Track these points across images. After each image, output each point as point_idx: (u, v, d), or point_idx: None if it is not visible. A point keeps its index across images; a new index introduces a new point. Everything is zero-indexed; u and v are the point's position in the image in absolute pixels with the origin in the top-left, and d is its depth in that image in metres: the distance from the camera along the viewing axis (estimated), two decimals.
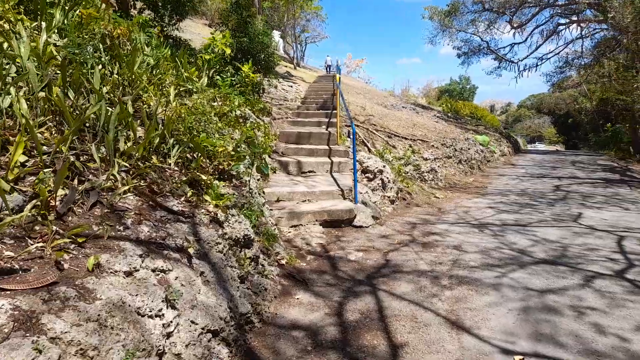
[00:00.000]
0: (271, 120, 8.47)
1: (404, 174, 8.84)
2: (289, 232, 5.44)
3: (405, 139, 12.35)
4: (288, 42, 36.27)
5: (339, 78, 9.20)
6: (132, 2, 9.21)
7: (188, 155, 4.70)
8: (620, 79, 20.85)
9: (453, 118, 22.92)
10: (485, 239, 5.50)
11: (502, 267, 4.40)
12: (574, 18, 22.23)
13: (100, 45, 5.21)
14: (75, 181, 2.81)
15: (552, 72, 27.35)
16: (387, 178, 7.61)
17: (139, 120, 4.75)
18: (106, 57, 5.01)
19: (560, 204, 8.02)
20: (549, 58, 25.19)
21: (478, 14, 22.61)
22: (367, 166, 7.51)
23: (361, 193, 6.61)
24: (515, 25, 21.59)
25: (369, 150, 9.56)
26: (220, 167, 4.78)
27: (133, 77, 5.20)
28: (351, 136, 9.92)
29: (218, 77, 6.68)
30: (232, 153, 5.00)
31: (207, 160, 4.81)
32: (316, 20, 43.04)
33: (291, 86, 15.15)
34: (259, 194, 5.60)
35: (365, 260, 4.58)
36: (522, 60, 23.18)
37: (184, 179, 3.98)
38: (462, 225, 6.27)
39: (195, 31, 18.77)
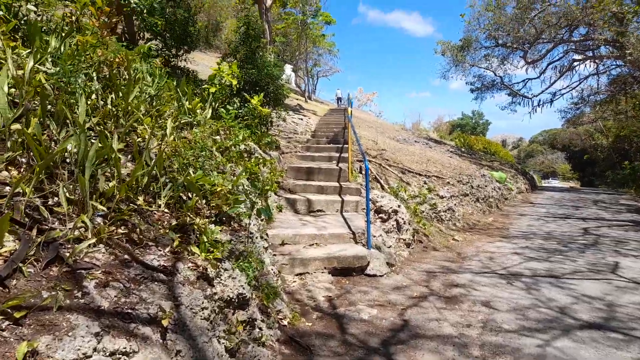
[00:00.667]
0: (279, 155, 8.01)
1: (420, 214, 8.25)
2: (294, 281, 4.85)
3: (420, 175, 11.79)
4: (300, 75, 36.54)
5: (351, 111, 8.80)
6: (140, 33, 9.00)
7: (182, 195, 4.21)
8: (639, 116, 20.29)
9: (467, 153, 22.40)
10: (517, 294, 4.84)
11: (542, 332, 3.75)
12: (589, 54, 21.93)
13: (95, 74, 4.82)
14: (34, 231, 2.31)
15: (567, 108, 26.93)
16: (403, 219, 7.02)
17: (129, 156, 4.29)
18: (99, 86, 4.61)
19: (593, 251, 7.32)
20: (563, 94, 24.83)
21: (491, 50, 22.44)
22: (381, 205, 6.95)
23: (374, 236, 6.02)
24: (529, 61, 21.31)
25: (382, 187, 9.01)
26: (218, 208, 4.27)
27: (129, 108, 4.80)
28: (363, 172, 9.42)
29: (222, 109, 6.27)
30: (232, 193, 4.50)
31: (204, 201, 4.32)
32: (328, 55, 43.62)
33: (301, 119, 14.82)
34: (261, 237, 5.05)
35: (380, 320, 3.95)
36: (536, 96, 22.83)
37: (174, 223, 3.47)
38: (488, 276, 5.62)
39: (207, 64, 18.77)
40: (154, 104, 5.54)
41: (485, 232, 9.15)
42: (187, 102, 6.13)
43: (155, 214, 3.53)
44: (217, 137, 5.83)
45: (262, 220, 5.77)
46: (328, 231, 5.70)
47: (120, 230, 2.96)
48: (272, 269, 4.48)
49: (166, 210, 3.76)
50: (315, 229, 5.73)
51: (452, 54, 22.06)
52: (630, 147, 29.18)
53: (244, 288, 3.10)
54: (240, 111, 7.57)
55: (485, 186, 13.70)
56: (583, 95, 25.48)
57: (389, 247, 6.17)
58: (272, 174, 6.33)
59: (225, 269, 3.12)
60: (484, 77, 24.10)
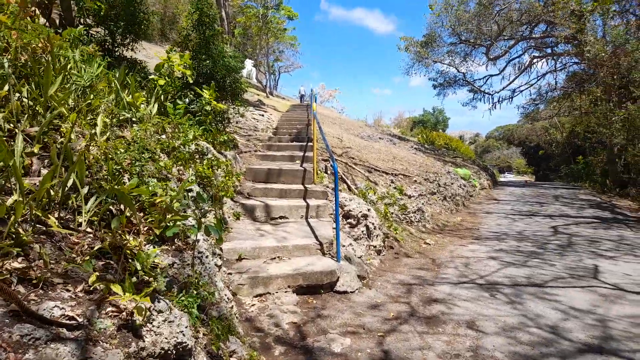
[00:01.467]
0: (236, 155, 7.25)
1: (390, 218, 7.72)
2: (253, 305, 4.16)
3: (386, 173, 11.31)
4: (261, 70, 35.58)
5: (315, 107, 8.16)
6: (81, 19, 7.98)
7: (113, 209, 3.45)
8: (597, 112, 20.74)
9: (430, 150, 22.28)
10: (503, 310, 4.36)
11: None
12: (548, 51, 22.24)
13: (6, 61, 3.97)
14: None
15: (525, 104, 27.36)
16: (373, 224, 6.46)
17: (47, 161, 3.49)
18: (9, 73, 3.76)
19: (569, 252, 7.02)
20: (522, 91, 25.14)
21: (454, 46, 22.36)
22: (350, 210, 6.35)
23: (344, 246, 5.42)
24: (491, 57, 21.37)
25: (349, 188, 8.42)
26: (159, 224, 3.53)
27: (51, 101, 3.98)
28: (329, 172, 8.80)
29: (170, 104, 5.46)
30: (178, 202, 3.77)
31: (141, 215, 3.57)
32: (290, 50, 42.73)
33: (262, 115, 14.05)
34: (214, 253, 4.33)
35: (356, 352, 3.34)
36: (497, 92, 22.94)
37: (98, 247, 2.72)
38: (468, 287, 5.13)
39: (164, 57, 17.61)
40: (85, 97, 4.70)
41: (456, 234, 8.75)
42: (128, 96, 5.30)
43: (72, 236, 2.78)
44: (164, 135, 5.05)
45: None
46: (292, 242, 5.03)
47: (13, 265, 2.22)
48: (226, 295, 3.78)
49: (89, 229, 3.00)
50: (277, 241, 5.05)
51: (415, 50, 21.81)
52: (584, 143, 30.05)
53: (184, 334, 2.40)
54: (192, 106, 6.77)
55: (452, 184, 13.42)
56: (541, 92, 25.95)
57: (360, 257, 5.58)
58: (227, 177, 5.59)
59: (160, 311, 2.40)
60: (447, 74, 24.07)
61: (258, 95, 23.05)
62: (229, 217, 5.71)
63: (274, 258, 4.83)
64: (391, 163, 12.61)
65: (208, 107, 6.55)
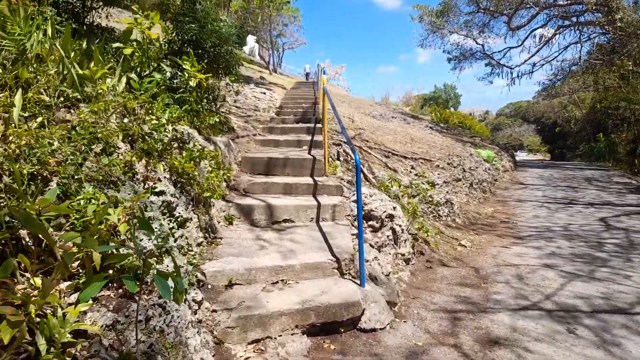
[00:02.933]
0: (230, 141, 5.93)
1: (419, 215, 6.42)
2: (246, 358, 2.93)
3: (405, 158, 9.97)
4: (264, 46, 33.91)
5: (325, 80, 6.78)
6: None
7: (22, 236, 2.21)
8: (628, 86, 19.07)
9: (446, 129, 20.77)
10: (596, 357, 3.10)
11: None
12: (574, 20, 20.45)
13: None
14: None
15: (546, 79, 25.67)
16: (400, 226, 5.18)
17: None
18: None
19: (637, 255, 5.73)
20: (543, 65, 23.41)
21: (472, 16, 20.62)
22: (371, 210, 5.07)
23: (368, 261, 4.15)
24: (513, 27, 19.64)
25: (367, 179, 7.12)
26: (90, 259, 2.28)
27: None
28: (342, 159, 7.49)
29: (135, 77, 4.13)
30: (122, 227, 2.51)
31: (70, 245, 2.35)
32: (294, 25, 40.75)
33: (264, 93, 12.66)
34: (191, 284, 3.09)
35: None
36: (518, 66, 21.24)
37: None
38: (534, 315, 3.86)
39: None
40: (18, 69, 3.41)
41: (492, 230, 7.44)
42: (80, 67, 4.00)
43: None
44: (126, 119, 3.75)
45: (201, 242, 3.81)
46: (300, 259, 3.78)
47: None
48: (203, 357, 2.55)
49: None
50: (281, 256, 3.80)
51: (430, 20, 20.11)
52: (606, 120, 28.34)
53: None
54: (174, 82, 5.45)
55: (476, 168, 12.06)
56: (563, 66, 24.20)
57: (387, 274, 4.31)
58: (214, 173, 4.30)
59: None
60: (463, 46, 22.34)
61: (261, 72, 21.57)
62: (219, 223, 4.45)
63: (276, 282, 3.59)
64: (409, 145, 11.26)
65: (192, 82, 5.22)
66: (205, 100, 6.47)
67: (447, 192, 9.12)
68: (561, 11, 19.28)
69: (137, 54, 4.95)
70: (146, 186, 3.43)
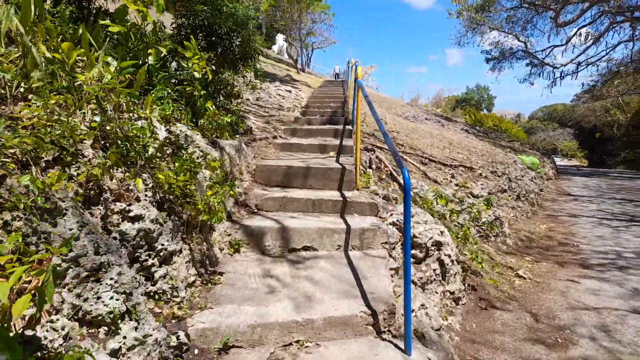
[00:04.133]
0: (242, 145, 4.98)
1: (472, 240, 5.31)
2: None
3: (444, 165, 8.88)
4: (293, 44, 33.06)
5: (360, 73, 5.71)
6: None
7: None
8: None
9: (482, 132, 19.43)
10: None
11: None
12: (628, 16, 18.75)
13: None
14: None
15: (591, 80, 23.92)
16: (449, 255, 4.14)
17: None
18: None
19: None
20: (589, 64, 21.70)
21: (514, 11, 19.17)
22: (414, 235, 4.03)
23: (413, 310, 3.13)
24: (560, 23, 18.12)
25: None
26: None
27: None
28: (374, 166, 6.47)
29: (110, 59, 3.23)
30: (48, 290, 1.54)
31: None
32: (324, 24, 39.68)
33: (290, 91, 11.73)
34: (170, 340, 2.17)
35: None
36: (564, 65, 19.69)
37: None
38: None
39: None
40: None
41: (552, 255, 6.27)
42: (47, 51, 3.13)
43: None
44: (97, 117, 2.83)
45: (190, 284, 2.88)
46: (322, 310, 2.79)
47: None
48: None
49: None
50: (296, 305, 2.82)
51: (469, 15, 18.78)
52: None
53: None
54: (178, 73, 4.56)
55: (522, 177, 10.81)
56: (609, 66, 22.43)
57: (438, 328, 3.28)
58: (217, 187, 3.34)
59: None
60: (503, 45, 20.88)
61: (288, 70, 20.72)
62: (222, 251, 3.52)
63: (289, 345, 2.62)
64: (448, 151, 10.13)
65: (197, 74, 4.30)
66: (217, 97, 5.57)
67: (493, 205, 7.97)
68: (615, 5, 17.65)
69: (132, 38, 4.07)
70: (117, 209, 2.51)
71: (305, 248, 3.75)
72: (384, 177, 6.36)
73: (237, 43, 5.78)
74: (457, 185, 8.13)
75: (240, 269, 3.34)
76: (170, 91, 3.90)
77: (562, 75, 22.62)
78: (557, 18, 17.88)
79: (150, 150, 3.01)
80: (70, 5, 4.83)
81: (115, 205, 2.52)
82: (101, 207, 2.47)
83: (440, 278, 3.99)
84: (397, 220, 4.11)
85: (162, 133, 3.28)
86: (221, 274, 3.21)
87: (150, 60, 4.18)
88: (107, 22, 3.89)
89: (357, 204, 4.31)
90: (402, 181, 3.21)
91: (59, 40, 3.25)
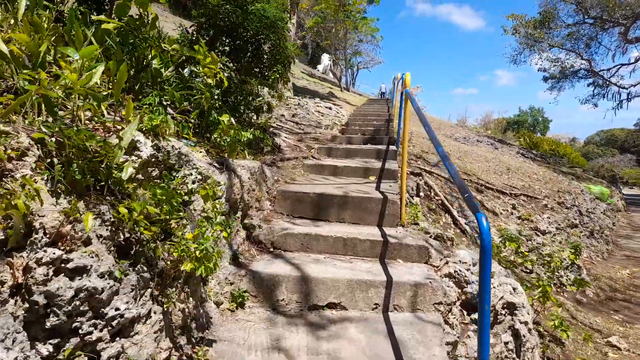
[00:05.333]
0: (261, 167, 4.12)
1: (556, 303, 4.14)
2: None
3: (503, 193, 7.72)
4: (337, 61, 32.61)
5: (408, 81, 4.72)
6: None
7: None
8: None
9: (540, 157, 17.82)
10: None
11: None
12: None
13: None
14: None
15: None
16: (526, 323, 3.07)
17: None
18: None
19: None
20: None
21: (577, 27, 17.66)
22: (475, 295, 3.00)
23: None
24: (630, 39, 16.45)
25: (456, 223, 5.06)
26: None
27: None
28: (422, 194, 5.49)
29: (70, 50, 2.51)
30: None
31: None
32: (370, 44, 39.00)
33: (330, 108, 10.94)
34: None
35: None
36: (634, 86, 17.88)
37: None
38: None
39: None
40: None
41: None
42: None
43: None
44: (54, 122, 2.07)
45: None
46: None
47: None
48: None
49: None
50: None
51: (526, 31, 17.43)
52: None
53: None
54: (191, 79, 3.83)
55: (594, 209, 9.39)
56: None
57: None
58: (212, 223, 2.49)
59: None
60: (563, 63, 19.28)
61: (331, 88, 20.06)
62: (219, 306, 2.65)
63: None
64: (506, 177, 8.94)
65: (210, 80, 3.54)
66: (242, 109, 4.81)
67: (561, 242, 6.74)
68: None
69: (130, 35, 3.37)
70: (47, 258, 1.71)
71: (331, 305, 2.82)
72: (433, 207, 5.36)
73: (266, 49, 5.03)
74: (519, 218, 6.96)
75: (239, 335, 2.45)
76: (168, 99, 3.15)
77: (630, 97, 20.66)
78: (627, 34, 16.24)
79: (129, 171, 2.22)
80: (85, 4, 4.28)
81: (46, 251, 1.71)
82: (25, 255, 1.68)
83: (515, 355, 2.93)
84: (456, 272, 3.10)
85: (145, 149, 2.49)
86: (211, 344, 2.33)
87: (155, 63, 3.48)
88: (102, 17, 3.21)
89: (402, 246, 3.33)
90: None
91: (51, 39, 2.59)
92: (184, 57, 4.17)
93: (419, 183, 5.56)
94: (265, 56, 4.99)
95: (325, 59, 42.18)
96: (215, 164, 3.07)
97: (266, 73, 5.22)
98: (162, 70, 3.48)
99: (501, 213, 6.72)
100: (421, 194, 5.54)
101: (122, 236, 2.05)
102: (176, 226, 2.32)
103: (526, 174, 10.11)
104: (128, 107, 2.48)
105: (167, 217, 2.22)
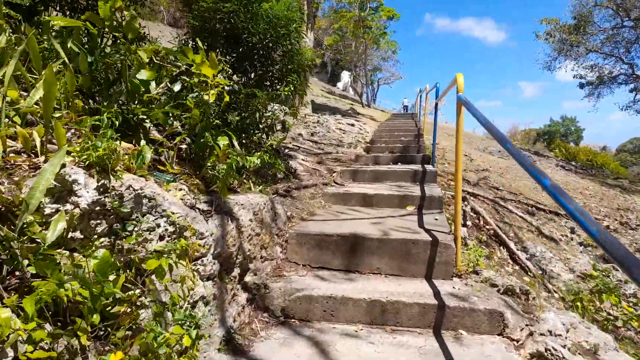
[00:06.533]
0: (270, 202, 3.23)
1: None
2: None
3: (556, 214, 6.64)
4: (357, 78, 31.96)
5: (461, 83, 3.75)
6: None
7: None
8: None
9: (581, 169, 16.48)
10: None
11: None
12: None
13: None
14: None
15: None
16: None
17: None
18: None
19: None
20: None
21: (616, 31, 16.44)
22: None
23: None
24: None
25: (523, 266, 4.09)
26: None
27: None
28: (469, 223, 4.54)
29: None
30: None
31: None
32: (390, 60, 38.31)
33: (352, 125, 10.07)
34: None
35: None
36: None
37: None
38: None
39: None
40: None
41: None
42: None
43: None
44: None
45: None
46: None
47: None
48: None
49: None
50: None
51: (561, 36, 16.27)
52: None
53: None
54: (183, 94, 3.04)
55: None
56: None
57: None
58: (177, 316, 1.62)
59: None
60: (602, 69, 17.99)
61: (352, 105, 19.26)
62: None
63: None
64: None
65: (210, 96, 2.75)
66: (249, 129, 3.98)
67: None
68: None
69: (98, 37, 2.60)
70: None
71: None
72: (484, 238, 4.38)
73: (277, 57, 4.23)
74: (581, 244, 5.88)
75: None
76: (152, 119, 2.34)
77: None
78: None
79: (57, 228, 1.40)
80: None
81: None
82: None
83: None
84: (548, 350, 2.13)
85: (87, 193, 1.66)
86: None
87: (140, 75, 2.69)
88: (55, 16, 2.45)
89: (465, 311, 2.37)
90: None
91: None
92: (181, 69, 3.41)
93: (465, 210, 4.60)
94: (277, 66, 4.17)
95: (345, 76, 41.72)
96: (201, 207, 2.21)
97: (278, 85, 4.41)
98: (148, 82, 2.68)
99: (560, 239, 5.66)
100: (468, 222, 4.57)
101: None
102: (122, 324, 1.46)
103: (576, 189, 8.97)
104: (57, 133, 1.66)
105: (109, 304, 1.36)
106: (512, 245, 4.37)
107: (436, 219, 3.55)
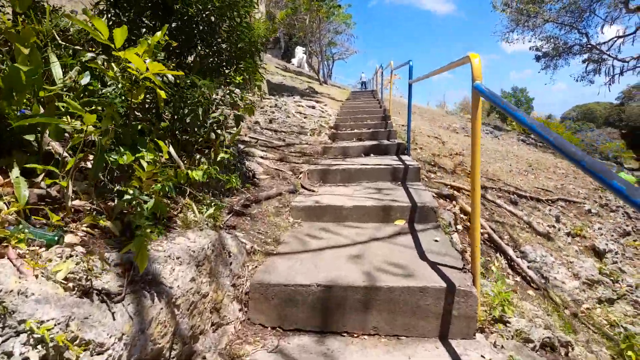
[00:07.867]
0: (218, 237, 2.40)
1: None
2: None
3: (538, 200, 6.20)
4: (312, 53, 30.85)
5: (478, 72, 2.92)
6: None
7: None
8: None
9: (541, 142, 16.51)
10: None
11: None
12: None
13: None
14: None
15: None
16: None
17: None
18: None
19: None
20: None
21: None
22: None
23: None
24: (632, 8, 15.13)
25: (531, 281, 3.50)
26: None
27: None
28: (459, 226, 3.91)
29: None
30: None
31: None
32: (344, 34, 37.20)
33: (313, 107, 9.22)
34: None
35: None
36: (635, 59, 16.62)
37: None
38: None
39: None
40: None
41: None
42: None
43: None
44: None
45: None
46: None
47: None
48: None
49: None
50: None
51: (517, 7, 15.93)
52: None
53: None
54: (92, 87, 2.13)
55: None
56: None
57: None
58: None
59: None
60: (557, 40, 17.89)
61: (309, 82, 18.30)
62: None
63: None
64: (532, 176, 7.43)
65: (120, 84, 1.86)
66: (188, 128, 3.09)
67: (618, 262, 5.24)
68: None
69: None
70: None
71: None
72: (482, 240, 3.74)
73: (223, 33, 3.32)
74: (569, 234, 5.44)
75: None
76: None
77: (622, 70, 19.51)
78: (629, 3, 14.89)
79: None
80: None
81: None
82: None
83: None
84: None
85: None
86: None
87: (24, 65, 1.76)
88: None
89: None
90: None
91: None
92: (97, 51, 2.48)
93: (455, 213, 3.93)
94: (224, 45, 3.26)
95: (300, 51, 40.34)
96: (105, 285, 1.36)
97: (226, 70, 3.50)
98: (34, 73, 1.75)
99: (549, 232, 5.16)
100: (459, 226, 3.92)
101: None
102: None
103: (549, 169, 8.61)
104: None
105: None
106: (510, 252, 3.77)
107: (436, 240, 2.82)
